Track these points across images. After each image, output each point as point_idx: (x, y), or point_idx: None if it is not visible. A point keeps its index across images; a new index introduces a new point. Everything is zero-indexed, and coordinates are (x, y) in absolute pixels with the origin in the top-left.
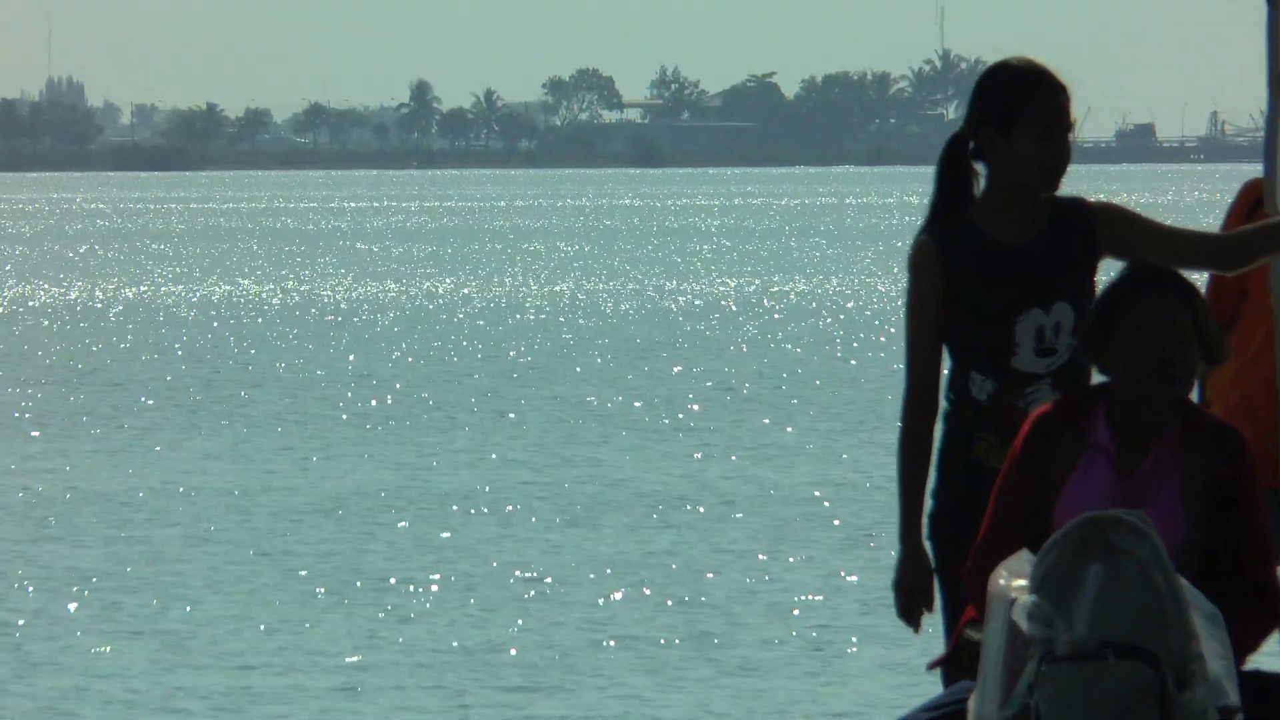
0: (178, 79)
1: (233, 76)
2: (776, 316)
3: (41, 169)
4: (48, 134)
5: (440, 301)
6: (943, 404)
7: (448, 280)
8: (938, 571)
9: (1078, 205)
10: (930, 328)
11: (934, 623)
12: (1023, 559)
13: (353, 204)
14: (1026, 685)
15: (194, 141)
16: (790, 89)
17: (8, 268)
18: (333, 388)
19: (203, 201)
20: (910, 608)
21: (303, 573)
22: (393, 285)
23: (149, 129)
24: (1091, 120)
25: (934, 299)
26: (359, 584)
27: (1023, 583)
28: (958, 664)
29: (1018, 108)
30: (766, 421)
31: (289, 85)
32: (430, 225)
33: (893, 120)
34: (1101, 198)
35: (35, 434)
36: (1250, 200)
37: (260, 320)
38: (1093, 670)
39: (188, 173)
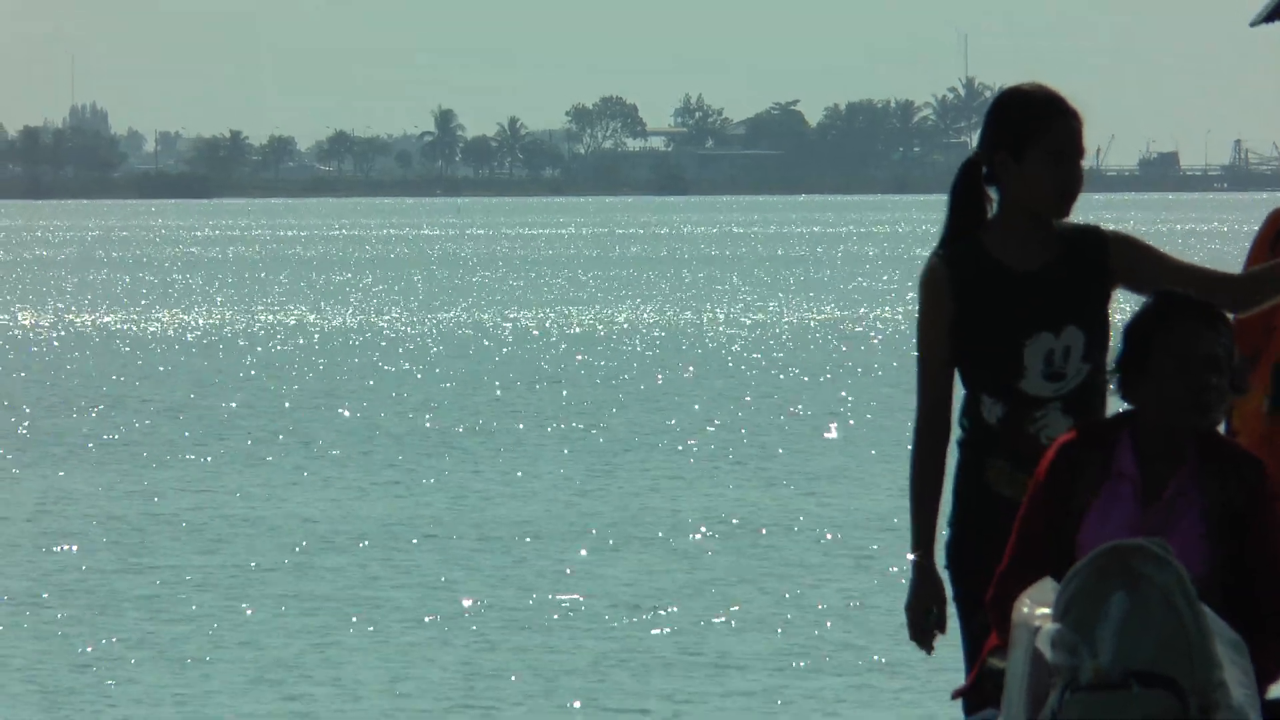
0: (202, 106)
1: (257, 104)
2: (802, 343)
3: (65, 196)
4: (71, 161)
5: (470, 329)
6: (956, 430)
7: (483, 308)
8: (956, 600)
9: (1091, 233)
10: (941, 350)
11: (949, 646)
12: (1046, 587)
13: (381, 231)
14: (1050, 714)
15: (218, 169)
16: (814, 117)
17: (46, 293)
18: (365, 415)
19: (228, 229)
20: (922, 629)
21: (340, 600)
22: (419, 313)
23: (173, 156)
24: (1115, 148)
25: (944, 322)
26: (399, 611)
27: (1046, 611)
28: (981, 693)
29: (1029, 132)
30: (786, 449)
31: (313, 113)
32: (461, 252)
33: (917, 148)
34: (1116, 227)
35: (59, 459)
36: (1275, 229)
37: (290, 346)
38: (1117, 698)
39: (212, 200)
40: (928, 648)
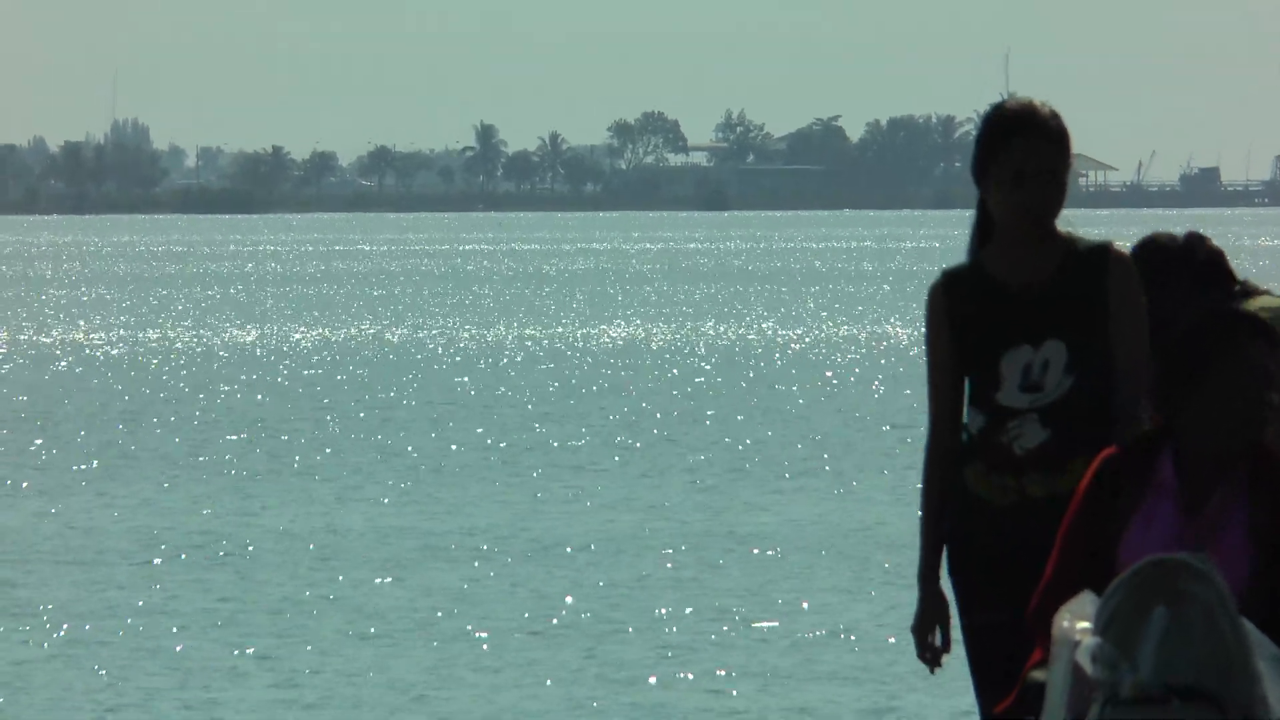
0: (243, 122)
1: (298, 120)
2: (848, 359)
3: (107, 212)
4: (113, 177)
5: (508, 343)
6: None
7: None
8: (960, 611)
9: (1098, 250)
10: (942, 368)
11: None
12: (1086, 601)
13: (423, 245)
14: None
15: (259, 185)
16: (855, 132)
17: (115, 310)
18: (404, 430)
19: (274, 244)
20: (928, 649)
21: (383, 616)
22: (455, 327)
23: (214, 172)
24: (1157, 163)
25: (943, 338)
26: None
27: (1087, 625)
28: (1022, 706)
29: (989, 154)
30: (831, 466)
31: (354, 129)
32: (496, 269)
33: (958, 164)
34: (1126, 247)
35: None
36: None
37: (338, 360)
38: (1157, 713)
39: (253, 215)
40: (933, 667)
